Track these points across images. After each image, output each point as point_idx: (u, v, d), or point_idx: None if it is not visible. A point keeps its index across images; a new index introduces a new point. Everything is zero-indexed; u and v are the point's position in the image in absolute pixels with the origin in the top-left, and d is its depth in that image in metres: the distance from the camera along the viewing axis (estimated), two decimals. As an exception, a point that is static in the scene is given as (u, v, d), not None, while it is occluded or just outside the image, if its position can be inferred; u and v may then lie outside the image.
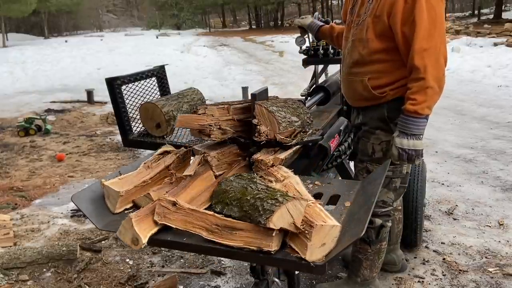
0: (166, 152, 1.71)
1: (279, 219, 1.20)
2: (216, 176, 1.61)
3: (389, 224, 2.13)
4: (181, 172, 1.62)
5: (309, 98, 2.78)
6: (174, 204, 1.31)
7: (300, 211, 1.22)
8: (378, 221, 2.08)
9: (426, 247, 2.76)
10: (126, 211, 1.49)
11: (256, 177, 1.46)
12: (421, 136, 1.83)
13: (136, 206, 1.52)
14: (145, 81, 2.33)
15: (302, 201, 1.23)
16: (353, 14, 2.06)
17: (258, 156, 1.58)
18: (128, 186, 1.50)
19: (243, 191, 1.35)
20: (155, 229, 1.33)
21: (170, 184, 1.56)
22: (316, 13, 2.71)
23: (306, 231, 1.20)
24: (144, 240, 1.28)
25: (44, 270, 2.65)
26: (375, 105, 2.00)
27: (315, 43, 2.85)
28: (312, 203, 1.30)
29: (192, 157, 1.72)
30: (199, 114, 1.63)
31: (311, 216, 1.24)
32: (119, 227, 1.31)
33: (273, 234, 1.20)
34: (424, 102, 1.77)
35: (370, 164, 2.06)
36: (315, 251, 1.20)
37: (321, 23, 2.51)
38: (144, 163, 1.64)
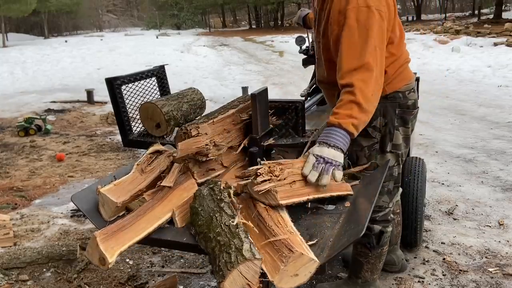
0: (157, 152, 1.69)
1: (232, 284, 1.13)
2: (198, 184, 1.59)
3: (389, 229, 2.10)
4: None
5: (309, 98, 2.79)
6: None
7: (255, 271, 1.15)
8: (377, 228, 2.05)
9: (426, 247, 2.76)
10: (118, 218, 1.47)
11: (225, 199, 1.35)
12: (343, 150, 1.58)
13: (129, 210, 1.51)
14: (145, 81, 2.33)
15: (255, 261, 1.15)
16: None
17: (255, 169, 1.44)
18: (125, 196, 1.47)
19: (209, 222, 1.29)
20: (126, 246, 1.26)
21: (163, 187, 1.53)
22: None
23: (284, 255, 1.15)
24: (111, 259, 1.20)
25: (44, 270, 2.65)
26: None
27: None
28: (291, 233, 1.24)
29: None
30: (195, 136, 1.60)
31: (293, 242, 1.19)
32: (87, 247, 1.26)
33: None
34: (348, 117, 1.59)
35: (358, 172, 2.02)
36: (286, 278, 1.15)
37: (309, 11, 2.49)
38: (137, 165, 1.62)
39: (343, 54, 1.67)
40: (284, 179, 1.39)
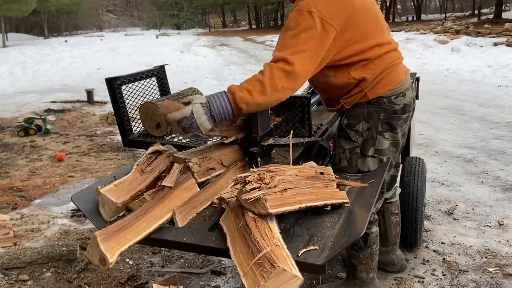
0: (157, 152, 1.69)
1: None
2: (198, 184, 1.59)
3: (374, 230, 2.09)
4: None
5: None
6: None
7: None
8: None
9: (426, 247, 2.76)
10: (119, 218, 1.47)
11: None
12: (212, 124, 1.61)
13: (129, 210, 1.51)
14: (145, 81, 2.33)
15: None
16: None
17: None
18: (125, 196, 1.47)
19: None
20: (126, 246, 1.26)
21: (163, 187, 1.53)
22: None
23: (265, 270, 1.09)
24: (112, 259, 1.19)
25: (44, 270, 2.65)
26: (339, 114, 2.04)
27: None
28: (276, 246, 1.17)
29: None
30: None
31: (276, 256, 1.13)
32: (87, 247, 1.25)
33: None
34: (248, 92, 1.59)
35: (339, 173, 2.00)
36: None
37: None
38: (137, 165, 1.62)
39: (275, 49, 1.70)
40: (275, 186, 1.33)
